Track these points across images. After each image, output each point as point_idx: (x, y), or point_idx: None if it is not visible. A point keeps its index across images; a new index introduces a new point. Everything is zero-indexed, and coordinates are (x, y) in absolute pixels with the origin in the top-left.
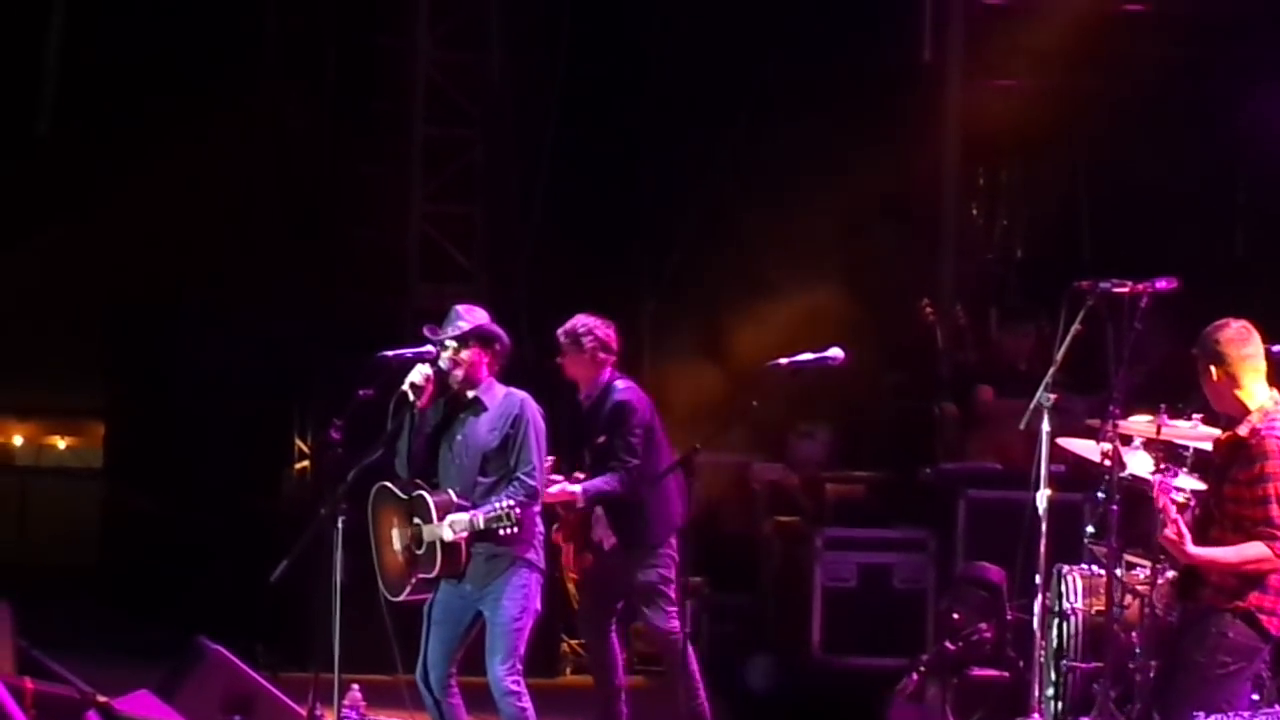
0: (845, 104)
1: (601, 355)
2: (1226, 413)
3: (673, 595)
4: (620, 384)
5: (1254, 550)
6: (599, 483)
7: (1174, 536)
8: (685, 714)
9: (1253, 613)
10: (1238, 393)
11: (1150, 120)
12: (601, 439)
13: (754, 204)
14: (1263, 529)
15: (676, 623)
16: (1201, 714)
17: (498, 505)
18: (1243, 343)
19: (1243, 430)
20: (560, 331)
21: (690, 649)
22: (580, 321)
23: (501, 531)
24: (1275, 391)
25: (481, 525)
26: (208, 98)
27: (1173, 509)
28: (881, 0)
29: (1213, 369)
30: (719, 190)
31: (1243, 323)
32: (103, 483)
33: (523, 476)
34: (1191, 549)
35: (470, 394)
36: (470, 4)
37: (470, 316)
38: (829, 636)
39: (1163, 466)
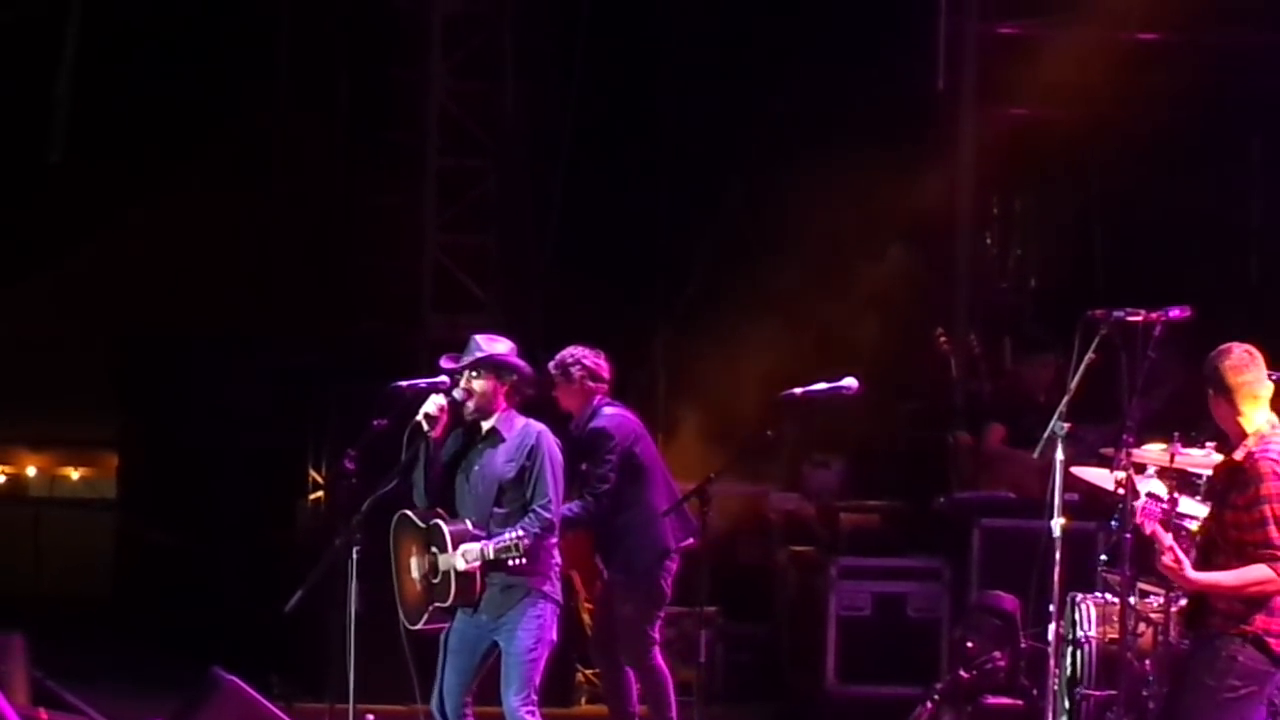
0: (859, 133)
1: (590, 384)
2: (1231, 436)
3: (654, 634)
4: (606, 410)
5: (1256, 573)
6: (565, 510)
7: (1172, 564)
8: None
9: (1261, 636)
10: (1238, 418)
11: (1164, 149)
12: (583, 466)
13: (768, 234)
14: (1264, 551)
15: (659, 660)
16: None
17: (508, 536)
18: (1243, 369)
19: (1238, 455)
20: (550, 365)
21: (670, 687)
22: (568, 352)
23: (510, 562)
24: (1274, 415)
25: (491, 556)
26: (222, 128)
27: (1165, 535)
28: (895, 29)
29: (1212, 393)
30: (733, 220)
31: (1246, 347)
32: (116, 514)
33: (538, 509)
34: (1192, 575)
35: (486, 424)
36: (483, 34)
37: (490, 346)
38: (844, 665)
39: (1147, 493)
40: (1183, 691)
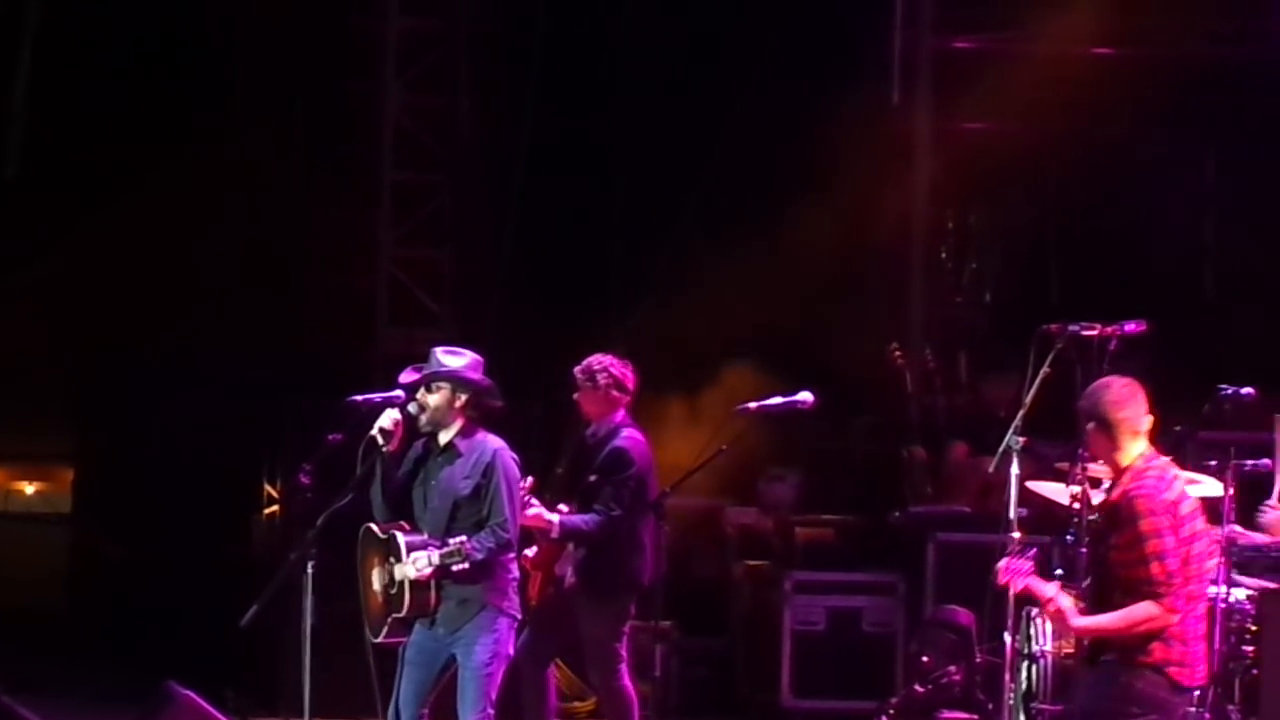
0: (814, 147)
1: (615, 394)
2: (1111, 470)
3: (623, 652)
4: (627, 431)
5: (1141, 611)
6: (578, 520)
7: (1054, 614)
8: None
9: (1161, 666)
10: (1115, 454)
11: (1118, 163)
12: (593, 478)
13: (723, 248)
14: (1147, 588)
15: (626, 680)
16: None
17: (453, 542)
18: (1125, 404)
19: (1115, 495)
20: (577, 369)
21: (635, 707)
22: (597, 359)
23: (454, 568)
24: (1149, 448)
25: (437, 561)
26: (177, 142)
27: (1043, 586)
28: (850, 43)
29: (1093, 427)
30: (688, 234)
31: (1126, 381)
32: (71, 528)
33: (495, 527)
34: (1076, 622)
35: (444, 438)
36: (439, 49)
37: (448, 359)
38: (798, 680)
39: (1013, 549)
40: (1082, 716)
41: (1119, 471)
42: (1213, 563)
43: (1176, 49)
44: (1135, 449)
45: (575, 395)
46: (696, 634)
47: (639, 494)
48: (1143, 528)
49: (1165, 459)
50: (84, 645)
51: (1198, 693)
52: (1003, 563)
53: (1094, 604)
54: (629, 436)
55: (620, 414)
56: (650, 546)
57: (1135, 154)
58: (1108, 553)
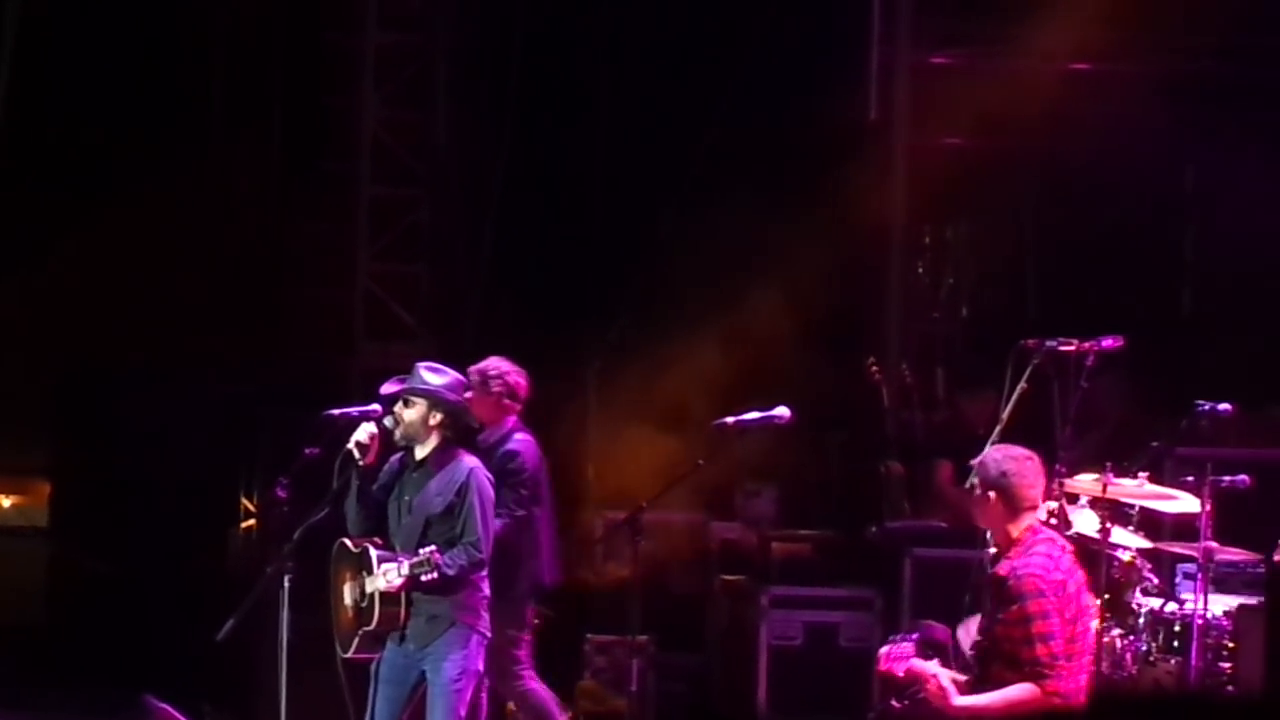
0: (791, 162)
1: (507, 401)
2: (997, 540)
3: (521, 655)
4: (518, 435)
5: (1020, 693)
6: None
7: (936, 692)
8: None
9: None
10: (1009, 526)
11: (1096, 179)
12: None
13: (699, 262)
14: (1029, 669)
15: (533, 682)
16: None
17: (422, 552)
18: (1031, 481)
19: (1003, 570)
20: (472, 369)
21: (552, 702)
22: (494, 365)
23: (423, 578)
24: (1038, 520)
25: (407, 571)
26: (155, 156)
27: (926, 667)
28: (827, 59)
29: (991, 495)
30: (665, 249)
31: (1030, 454)
32: (48, 541)
33: (467, 545)
34: (958, 701)
35: (420, 453)
36: (416, 63)
37: (429, 377)
38: (775, 695)
39: (892, 638)
40: None
41: (1008, 544)
42: (1094, 623)
43: (1154, 64)
44: (1027, 522)
45: (467, 394)
46: (673, 649)
47: (534, 495)
48: (1030, 608)
49: (1051, 533)
50: (61, 659)
51: None
52: (884, 649)
53: (980, 674)
54: (520, 440)
55: (511, 420)
56: (548, 548)
57: (1113, 169)
58: (993, 625)
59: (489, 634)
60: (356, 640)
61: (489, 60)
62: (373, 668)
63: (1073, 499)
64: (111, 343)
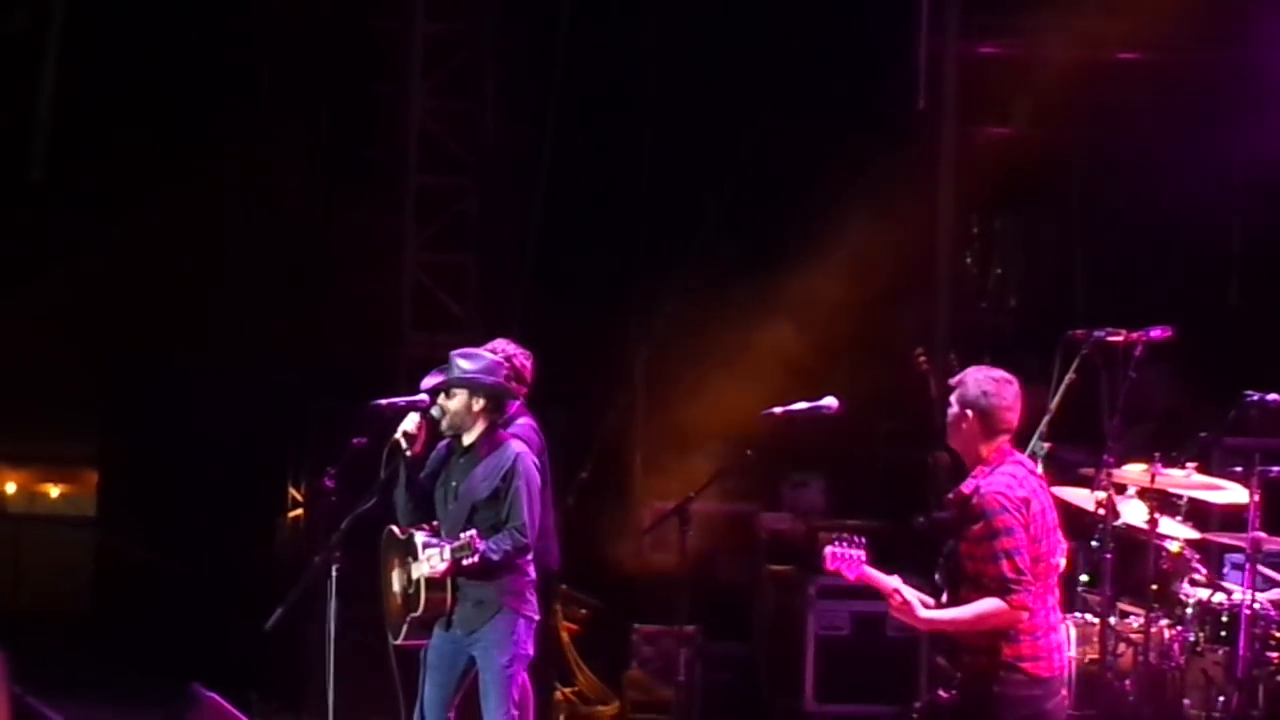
0: (839, 152)
1: (514, 384)
2: (966, 460)
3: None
4: (521, 420)
5: (988, 606)
6: None
7: (900, 606)
8: None
9: (1013, 663)
10: (981, 446)
11: (1144, 168)
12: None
13: (747, 253)
14: (995, 585)
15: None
16: None
17: (463, 536)
18: (1010, 402)
19: (968, 488)
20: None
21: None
22: (499, 346)
23: (464, 562)
24: (1009, 443)
25: (449, 556)
26: (202, 146)
27: (882, 578)
28: (876, 49)
29: (969, 414)
30: (712, 239)
31: (1009, 376)
32: (96, 531)
33: (512, 530)
34: (923, 614)
35: (467, 439)
36: (464, 53)
37: (465, 363)
38: (822, 685)
39: (833, 538)
40: None
41: (977, 462)
42: (1060, 559)
43: (1202, 53)
44: (998, 444)
45: None
46: (721, 639)
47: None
48: (995, 524)
49: (1021, 457)
50: (109, 648)
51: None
52: (829, 549)
53: (948, 597)
54: (524, 425)
55: (515, 405)
56: (553, 532)
57: (1160, 159)
58: (957, 545)
59: (537, 616)
60: (405, 627)
61: (536, 49)
62: (422, 654)
63: (1121, 489)
64: (160, 333)
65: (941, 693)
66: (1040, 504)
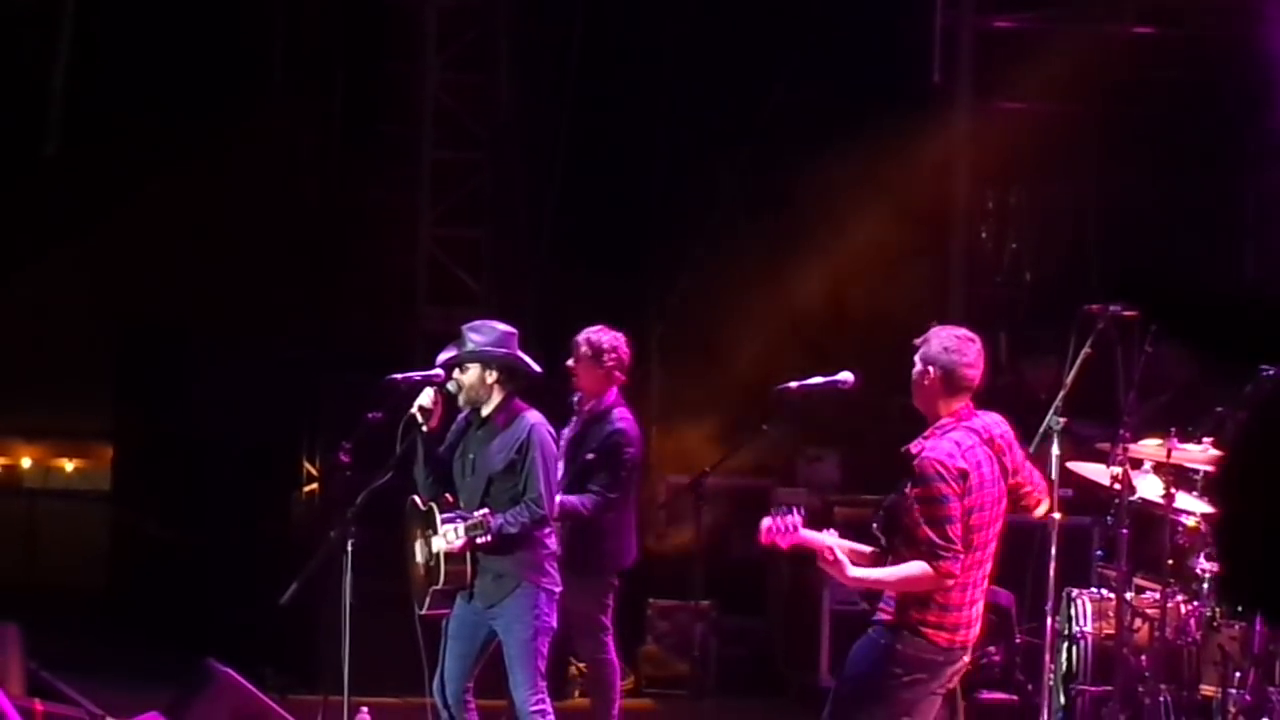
0: (854, 127)
1: (618, 374)
2: (927, 418)
3: (609, 624)
4: (620, 411)
5: (914, 569)
6: (574, 501)
7: (831, 563)
8: None
9: (916, 627)
10: (940, 405)
11: (1159, 142)
12: (590, 457)
13: (762, 227)
14: (924, 548)
15: (613, 653)
16: None
17: (477, 514)
18: (975, 363)
19: (914, 447)
20: (584, 340)
21: (619, 680)
22: (606, 338)
23: (478, 539)
24: (968, 405)
25: (463, 534)
26: (216, 120)
27: (816, 536)
28: (891, 23)
29: (932, 371)
30: (728, 213)
31: (974, 335)
32: (110, 505)
33: (529, 503)
34: (852, 572)
35: (484, 412)
36: (478, 26)
37: (475, 336)
38: (838, 659)
39: (777, 507)
40: (844, 682)
41: (934, 420)
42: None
43: (1217, 28)
44: (957, 405)
45: (570, 364)
46: (735, 613)
47: (632, 476)
48: (931, 490)
49: (979, 425)
50: (124, 623)
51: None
52: (765, 523)
53: (885, 546)
54: (625, 418)
55: (614, 393)
56: (633, 530)
57: (1176, 133)
58: (897, 499)
59: (558, 588)
60: (429, 598)
61: (551, 22)
62: (444, 624)
63: (1137, 464)
64: (174, 307)
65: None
66: (982, 476)
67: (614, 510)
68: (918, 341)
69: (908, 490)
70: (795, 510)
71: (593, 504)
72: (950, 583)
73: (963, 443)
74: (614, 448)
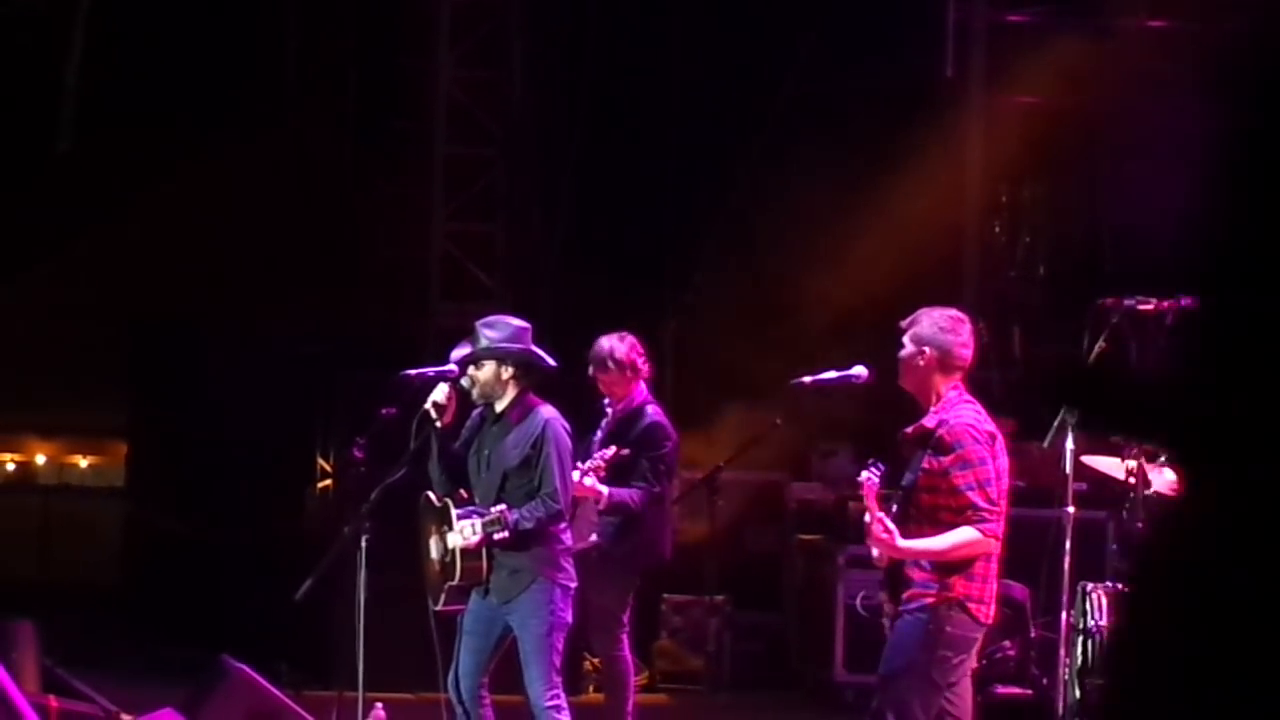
0: (867, 121)
1: (630, 373)
2: (920, 399)
3: (626, 621)
4: (652, 407)
5: (964, 535)
6: (625, 493)
7: (883, 535)
8: None
9: (964, 603)
10: (938, 383)
11: (1173, 137)
12: (626, 452)
13: (776, 222)
14: (970, 514)
15: (627, 650)
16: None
17: (494, 510)
18: (967, 341)
19: (930, 422)
20: (591, 353)
21: (633, 678)
22: (604, 347)
23: (495, 535)
24: (961, 382)
25: (480, 530)
26: (230, 116)
27: (875, 506)
28: (903, 17)
29: (928, 351)
30: (741, 209)
31: (964, 315)
32: (125, 502)
33: (545, 498)
34: (902, 543)
35: (499, 408)
36: (491, 22)
37: (489, 332)
38: (852, 654)
39: (869, 462)
40: (897, 671)
41: (931, 401)
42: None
43: (1231, 22)
44: (953, 381)
45: (593, 374)
46: (750, 608)
47: (670, 471)
48: (967, 454)
49: (970, 396)
50: (138, 619)
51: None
52: (863, 476)
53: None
54: (658, 413)
55: (641, 389)
56: (665, 528)
57: (1190, 127)
58: (917, 479)
59: (573, 583)
60: (444, 594)
61: (565, 18)
62: (459, 620)
63: (1152, 457)
64: (188, 303)
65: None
66: (1001, 443)
67: (655, 504)
68: (904, 323)
69: (928, 465)
70: (879, 466)
71: (640, 497)
72: (996, 545)
73: (978, 409)
74: (652, 441)
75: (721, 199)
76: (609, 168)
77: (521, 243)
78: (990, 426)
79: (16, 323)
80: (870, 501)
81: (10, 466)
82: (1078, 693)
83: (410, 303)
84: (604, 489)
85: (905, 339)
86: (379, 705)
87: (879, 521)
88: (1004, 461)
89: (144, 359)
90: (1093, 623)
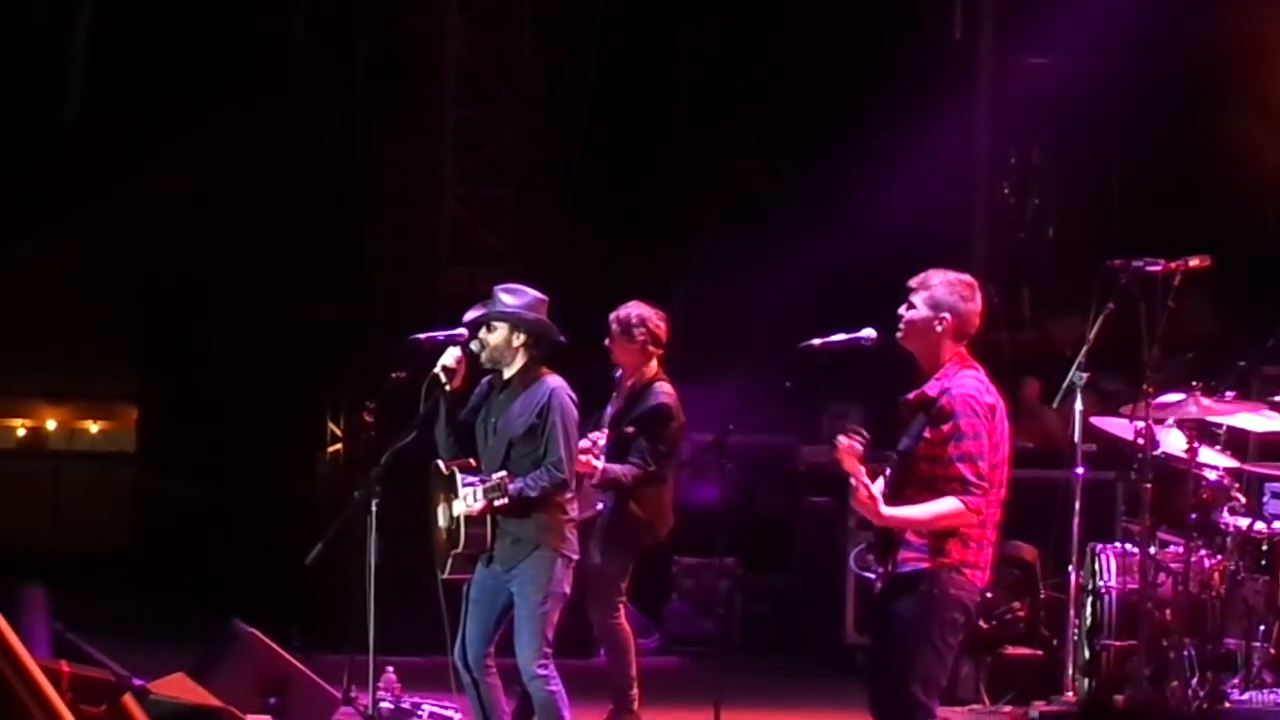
0: (876, 83)
1: (651, 348)
2: (924, 363)
3: (623, 590)
4: (662, 385)
5: (946, 505)
6: (618, 469)
7: (866, 500)
8: (616, 695)
9: (960, 567)
10: (945, 348)
11: (1181, 98)
12: (630, 429)
13: (784, 185)
14: (955, 485)
15: (624, 619)
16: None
17: (495, 476)
18: (978, 306)
19: (932, 390)
20: (614, 318)
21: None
22: (636, 313)
23: (496, 502)
24: (965, 349)
25: (483, 497)
26: (239, 81)
27: (861, 471)
28: None
29: (946, 317)
30: (749, 171)
31: (972, 280)
32: (135, 467)
33: (549, 466)
34: (885, 510)
35: (506, 375)
36: None
37: (507, 298)
38: (862, 617)
39: (849, 428)
40: (903, 638)
41: (936, 367)
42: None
43: None
44: (961, 347)
45: (607, 342)
46: (761, 571)
47: (673, 451)
48: (963, 426)
49: (973, 362)
50: (149, 584)
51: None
52: (840, 440)
53: (890, 498)
54: (667, 392)
55: (654, 366)
56: (669, 502)
57: (1198, 88)
58: (914, 446)
59: (575, 555)
60: (450, 561)
61: None
62: (465, 588)
63: (1160, 419)
64: (198, 268)
65: (981, 623)
66: (1000, 412)
67: (653, 484)
68: (913, 283)
69: (927, 433)
70: (861, 434)
71: (631, 475)
72: (977, 519)
73: (981, 379)
74: (656, 421)
75: (730, 161)
76: (619, 129)
77: (531, 206)
78: (991, 398)
79: (27, 288)
80: (853, 465)
81: (21, 432)
82: (1087, 653)
83: (420, 267)
84: (598, 463)
85: (918, 301)
86: (390, 668)
87: (863, 486)
88: (1004, 430)
89: (154, 324)
90: (1102, 583)
